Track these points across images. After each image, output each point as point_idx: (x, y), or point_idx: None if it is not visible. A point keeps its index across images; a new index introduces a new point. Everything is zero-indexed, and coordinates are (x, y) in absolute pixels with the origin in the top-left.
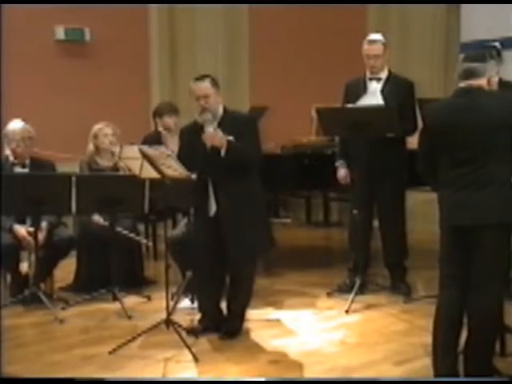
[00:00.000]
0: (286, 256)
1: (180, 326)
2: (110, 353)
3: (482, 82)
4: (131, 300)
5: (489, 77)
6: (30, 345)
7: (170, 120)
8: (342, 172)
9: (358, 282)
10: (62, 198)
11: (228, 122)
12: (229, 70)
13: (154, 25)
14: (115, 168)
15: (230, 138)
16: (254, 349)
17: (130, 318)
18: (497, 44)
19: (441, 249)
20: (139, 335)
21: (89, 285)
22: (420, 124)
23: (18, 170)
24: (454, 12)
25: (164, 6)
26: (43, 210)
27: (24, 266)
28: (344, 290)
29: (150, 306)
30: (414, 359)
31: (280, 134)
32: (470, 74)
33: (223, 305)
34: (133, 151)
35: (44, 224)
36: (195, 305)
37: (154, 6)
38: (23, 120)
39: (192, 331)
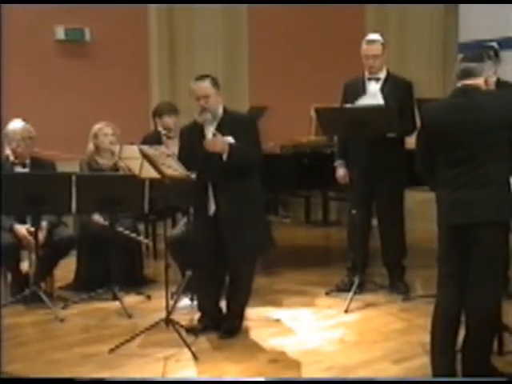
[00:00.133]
0: (285, 255)
1: (180, 324)
2: (110, 351)
3: (479, 81)
4: (131, 299)
5: (486, 77)
6: (31, 343)
7: (169, 120)
8: (341, 172)
9: (356, 281)
10: (63, 197)
11: (228, 122)
12: (228, 69)
13: (154, 25)
14: (115, 167)
15: (229, 138)
16: (253, 347)
17: (129, 316)
18: (494, 44)
19: (439, 248)
20: (139, 334)
21: (89, 284)
22: (419, 124)
23: (19, 169)
24: (452, 12)
25: (163, 6)
26: (43, 209)
27: (24, 266)
28: (343, 289)
29: (150, 305)
30: (413, 357)
31: (279, 134)
32: (467, 74)
33: (223, 304)
34: (132, 151)
35: (44, 223)
36: (195, 304)
37: (153, 6)
38: (24, 120)
39: (191, 330)
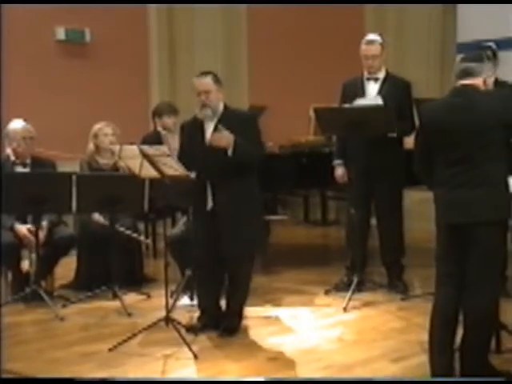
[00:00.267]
0: (284, 254)
1: (179, 323)
2: (109, 350)
3: (477, 81)
4: (131, 298)
5: (485, 77)
6: (31, 342)
7: (169, 120)
8: (340, 171)
9: (355, 280)
10: (63, 197)
11: (228, 118)
12: (227, 69)
13: (154, 25)
14: (115, 167)
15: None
16: (252, 346)
17: (129, 315)
18: (492, 44)
19: (437, 247)
20: (139, 333)
21: (89, 283)
22: (417, 124)
23: (19, 169)
24: (450, 12)
25: (163, 6)
26: (44, 208)
27: (25, 264)
28: (341, 287)
29: (150, 304)
30: (411, 356)
31: (278, 134)
32: (466, 74)
33: (223, 302)
34: (132, 151)
35: (45, 223)
36: (194, 302)
37: (153, 6)
38: (25, 120)
39: (191, 329)
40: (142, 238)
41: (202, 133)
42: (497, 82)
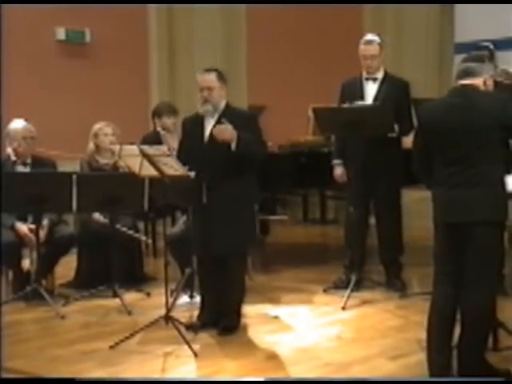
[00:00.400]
0: (283, 253)
1: (179, 321)
2: (110, 348)
3: (477, 81)
4: (131, 296)
5: (485, 78)
6: (32, 340)
7: (168, 121)
8: (339, 170)
9: (353, 279)
10: (63, 196)
11: (228, 116)
12: (227, 69)
13: (153, 25)
14: (115, 167)
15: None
16: (251, 344)
17: (129, 313)
18: (489, 44)
19: (435, 246)
20: (139, 331)
21: (89, 281)
22: (415, 123)
23: (20, 168)
24: (447, 12)
25: (163, 7)
26: (44, 208)
27: (26, 263)
28: (340, 286)
29: (150, 303)
30: (409, 354)
31: (277, 134)
32: (466, 74)
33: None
34: (132, 151)
35: (45, 222)
36: (194, 301)
37: (152, 7)
38: (25, 120)
39: (191, 327)
40: (142, 237)
41: (201, 129)
42: (495, 82)
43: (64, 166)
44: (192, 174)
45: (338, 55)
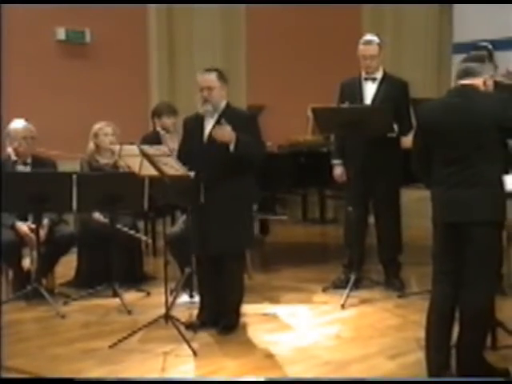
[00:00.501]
0: (282, 252)
1: (179, 320)
2: (110, 347)
3: (477, 81)
4: (131, 295)
5: (485, 78)
6: (32, 339)
7: (168, 121)
8: (338, 170)
9: (352, 278)
10: (63, 196)
11: (228, 116)
12: (226, 69)
13: (153, 25)
14: (115, 166)
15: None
16: (250, 343)
17: (129, 313)
18: (487, 44)
19: (434, 245)
20: (139, 330)
21: (89, 281)
22: (414, 123)
23: (20, 168)
24: (446, 12)
25: (163, 7)
26: (45, 207)
27: (26, 262)
28: (339, 285)
29: (150, 302)
30: (408, 353)
31: (276, 133)
32: (466, 74)
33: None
34: (132, 150)
35: (45, 221)
36: (193, 300)
37: (152, 7)
38: (26, 120)
39: (190, 326)
40: (142, 236)
41: (201, 129)
42: (495, 83)
43: (64, 166)
44: (192, 173)
45: (337, 55)
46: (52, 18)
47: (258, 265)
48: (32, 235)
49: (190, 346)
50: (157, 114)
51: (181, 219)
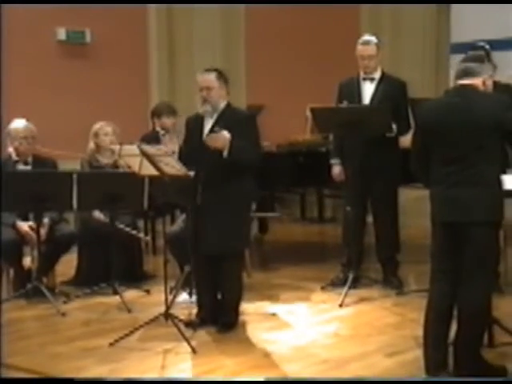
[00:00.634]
0: (281, 251)
1: (178, 319)
2: (110, 345)
3: (476, 81)
4: (131, 294)
5: (484, 78)
6: (33, 337)
7: (168, 121)
8: (337, 169)
9: (351, 277)
10: (64, 194)
11: (227, 116)
12: (226, 69)
13: (153, 25)
14: (115, 166)
15: (225, 132)
16: (249, 341)
17: (129, 311)
18: (484, 44)
19: (432, 244)
20: (139, 328)
21: (90, 279)
22: (413, 123)
23: (21, 167)
24: (444, 12)
25: (163, 7)
26: (45, 206)
27: (27, 261)
28: (337, 284)
29: (150, 300)
30: (406, 351)
31: (275, 133)
32: (465, 74)
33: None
34: (132, 150)
35: (46, 220)
36: (193, 298)
37: (152, 7)
38: (27, 120)
39: (190, 324)
40: (142, 235)
41: (201, 128)
42: (494, 83)
43: (64, 166)
44: (192, 173)
45: (336, 55)
46: (52, 18)
47: (257, 263)
48: (33, 234)
49: (189, 344)
50: (156, 114)
51: (180, 218)
